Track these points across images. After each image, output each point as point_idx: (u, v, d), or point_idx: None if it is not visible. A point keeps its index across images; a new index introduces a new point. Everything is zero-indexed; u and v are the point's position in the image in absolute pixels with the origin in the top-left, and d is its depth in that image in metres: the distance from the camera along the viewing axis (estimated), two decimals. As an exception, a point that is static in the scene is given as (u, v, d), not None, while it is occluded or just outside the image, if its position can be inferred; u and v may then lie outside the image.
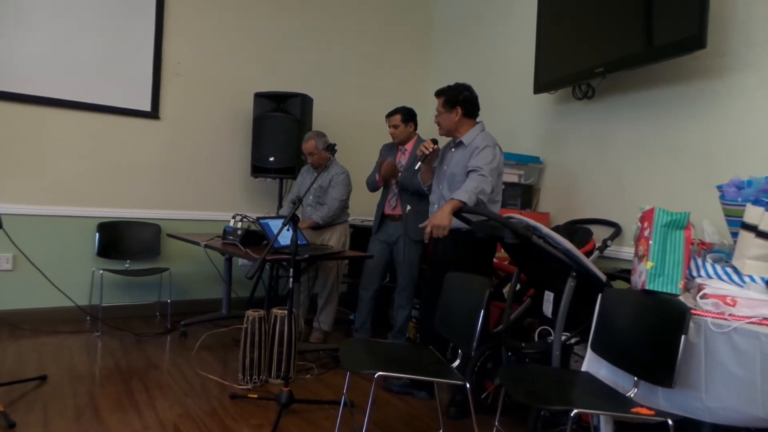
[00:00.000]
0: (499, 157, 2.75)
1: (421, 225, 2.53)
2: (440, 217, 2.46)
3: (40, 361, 2.99)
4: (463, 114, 2.80)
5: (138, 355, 3.20)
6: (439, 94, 2.86)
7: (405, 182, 3.39)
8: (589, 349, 2.01)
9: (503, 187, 2.93)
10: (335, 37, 4.81)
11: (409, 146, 3.55)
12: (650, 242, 1.81)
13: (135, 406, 2.48)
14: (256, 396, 2.68)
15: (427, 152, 2.74)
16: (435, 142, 2.77)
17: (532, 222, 2.22)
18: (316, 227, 3.70)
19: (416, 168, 2.87)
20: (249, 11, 4.42)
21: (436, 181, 2.93)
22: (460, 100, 2.78)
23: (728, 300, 1.67)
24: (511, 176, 3.57)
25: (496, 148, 2.73)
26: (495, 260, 3.26)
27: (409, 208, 3.35)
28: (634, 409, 1.63)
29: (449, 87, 2.84)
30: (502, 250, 2.80)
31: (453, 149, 2.87)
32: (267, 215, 3.87)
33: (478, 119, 2.86)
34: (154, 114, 4.10)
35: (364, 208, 4.23)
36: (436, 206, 2.87)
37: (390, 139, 3.60)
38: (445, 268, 2.53)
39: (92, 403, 2.48)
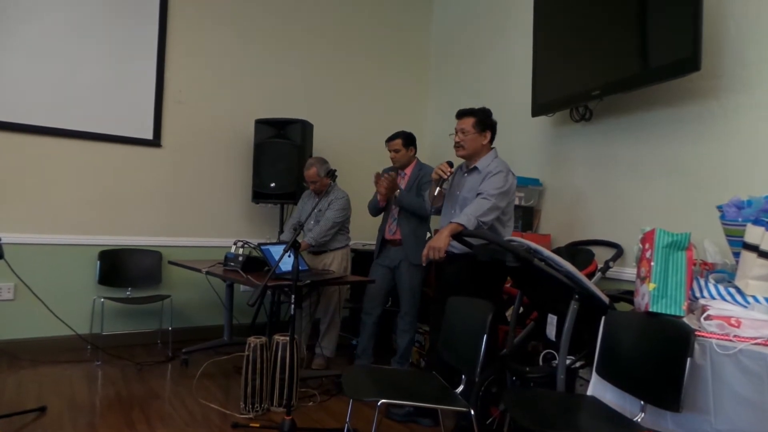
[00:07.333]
0: (512, 182, 2.69)
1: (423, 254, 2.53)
2: (437, 240, 2.47)
3: (40, 392, 2.96)
4: (490, 139, 2.77)
5: (139, 385, 3.17)
6: (468, 113, 2.76)
7: (402, 201, 3.38)
8: (594, 373, 1.99)
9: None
10: (335, 63, 4.88)
11: (408, 170, 3.57)
12: (652, 264, 1.81)
13: (135, 437, 2.45)
14: (258, 425, 2.64)
15: (445, 176, 2.68)
16: (451, 164, 2.71)
17: (533, 245, 2.22)
18: (312, 250, 3.69)
19: (435, 194, 2.78)
20: (249, 39, 4.50)
21: (448, 205, 2.87)
22: (490, 125, 2.76)
23: (733, 321, 1.66)
24: (511, 198, 3.58)
25: (509, 174, 2.68)
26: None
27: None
28: (641, 434, 1.61)
29: (480, 109, 2.77)
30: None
31: (466, 174, 2.82)
32: (268, 241, 3.88)
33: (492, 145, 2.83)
34: (156, 142, 4.14)
35: (365, 232, 4.23)
36: None
37: (390, 164, 3.62)
38: (454, 292, 2.47)
39: (92, 435, 2.45)
